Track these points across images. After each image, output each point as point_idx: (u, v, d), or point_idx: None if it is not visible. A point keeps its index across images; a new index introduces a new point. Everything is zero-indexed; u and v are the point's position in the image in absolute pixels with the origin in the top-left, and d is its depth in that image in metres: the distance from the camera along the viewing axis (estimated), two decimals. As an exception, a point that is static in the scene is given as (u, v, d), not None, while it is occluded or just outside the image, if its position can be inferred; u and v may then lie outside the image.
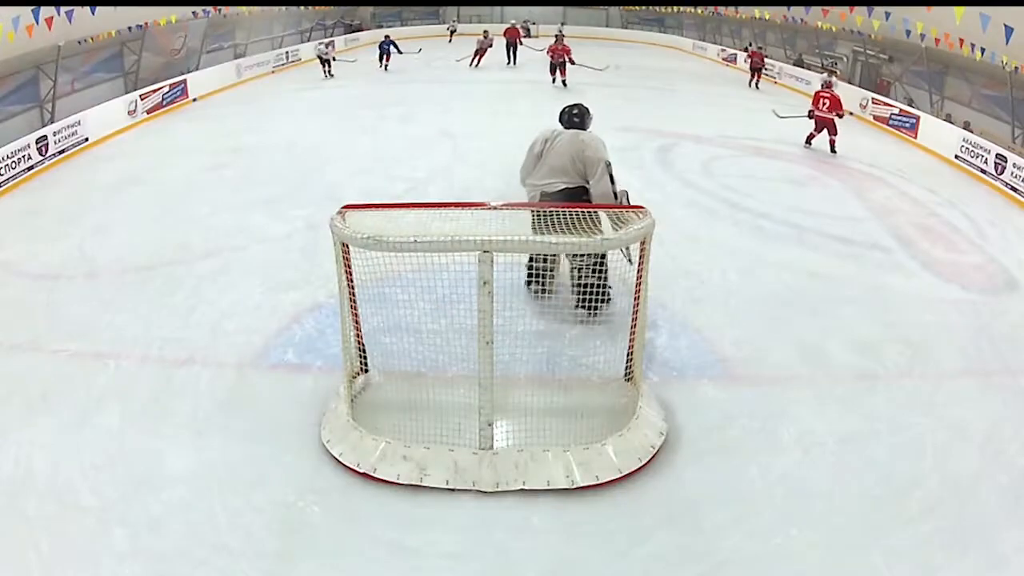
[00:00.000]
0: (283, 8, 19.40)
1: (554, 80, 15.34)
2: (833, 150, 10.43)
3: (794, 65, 16.93)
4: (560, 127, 4.96)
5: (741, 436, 4.00)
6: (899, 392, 4.48)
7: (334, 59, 16.97)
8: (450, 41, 24.37)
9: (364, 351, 4.19)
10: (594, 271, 4.50)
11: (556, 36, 16.10)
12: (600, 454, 3.64)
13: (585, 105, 5.06)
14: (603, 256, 4.47)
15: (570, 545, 3.28)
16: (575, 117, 4.94)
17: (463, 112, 12.29)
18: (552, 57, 15.33)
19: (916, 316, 5.43)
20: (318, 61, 16.69)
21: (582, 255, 4.44)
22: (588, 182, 4.72)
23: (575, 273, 4.77)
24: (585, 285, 4.56)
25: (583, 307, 4.77)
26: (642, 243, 3.70)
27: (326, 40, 19.52)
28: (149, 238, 6.69)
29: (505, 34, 18.82)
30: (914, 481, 3.68)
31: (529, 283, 5.03)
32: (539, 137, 4.94)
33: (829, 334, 5.08)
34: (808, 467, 3.78)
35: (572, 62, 15.03)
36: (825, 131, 10.53)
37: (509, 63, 18.26)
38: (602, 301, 4.69)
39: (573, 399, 4.03)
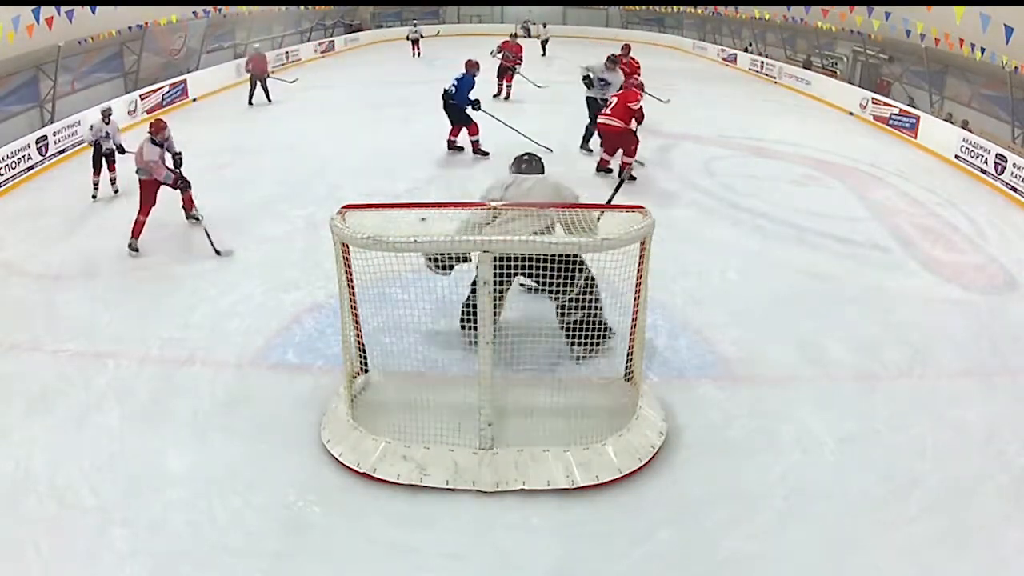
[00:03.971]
0: (283, 8, 19.39)
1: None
2: (623, 176, 7.13)
3: (803, 67, 16.90)
4: (515, 175, 4.56)
5: (741, 436, 4.01)
6: (899, 392, 4.48)
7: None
8: (416, 55, 20.15)
9: (364, 351, 4.19)
10: (579, 305, 4.22)
11: (624, 47, 11.17)
12: (600, 454, 3.64)
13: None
14: (587, 288, 4.21)
15: (570, 545, 3.29)
16: (536, 162, 4.65)
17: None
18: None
19: (916, 316, 5.43)
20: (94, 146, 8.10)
21: (560, 291, 4.07)
22: None
23: (559, 312, 4.40)
24: (572, 323, 4.33)
25: (576, 345, 4.45)
26: (642, 243, 3.70)
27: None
28: (149, 238, 6.68)
29: (250, 63, 13.22)
30: (914, 481, 3.69)
31: (464, 326, 4.48)
32: (494, 185, 4.53)
33: (829, 334, 5.08)
34: (808, 467, 3.79)
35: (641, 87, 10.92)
36: (620, 150, 8.13)
37: (251, 103, 13.03)
38: (598, 337, 4.37)
39: (573, 399, 4.03)
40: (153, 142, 6.53)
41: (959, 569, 3.19)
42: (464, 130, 9.17)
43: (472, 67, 9.07)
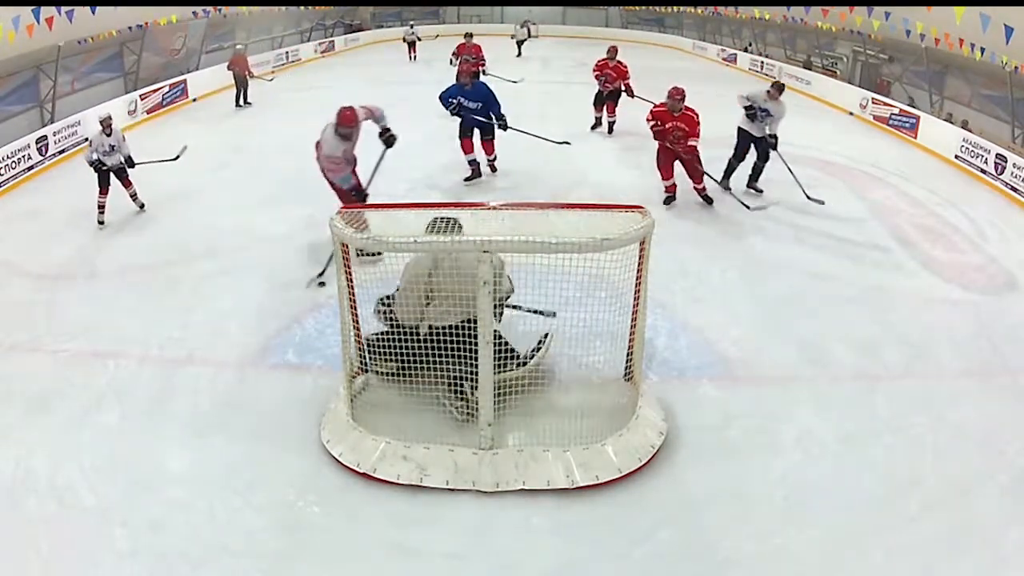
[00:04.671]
0: (283, 8, 19.39)
1: (597, 124, 10.77)
2: (705, 198, 7.51)
3: (803, 67, 16.88)
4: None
5: (741, 436, 4.01)
6: (899, 392, 4.48)
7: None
8: (412, 58, 19.14)
9: (364, 351, 4.19)
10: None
11: (610, 49, 10.44)
12: (600, 454, 3.64)
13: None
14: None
15: (570, 545, 3.29)
16: (456, 225, 3.75)
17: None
18: (600, 80, 10.36)
19: (916, 316, 5.43)
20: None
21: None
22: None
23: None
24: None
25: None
26: (642, 243, 3.70)
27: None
28: (149, 238, 6.69)
29: (231, 64, 13.08)
30: (914, 481, 3.69)
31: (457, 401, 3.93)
32: (420, 263, 3.85)
33: (829, 334, 5.08)
34: (808, 467, 3.79)
35: (631, 93, 10.29)
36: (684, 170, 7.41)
37: (238, 105, 12.93)
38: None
39: (573, 399, 4.03)
40: (338, 134, 5.42)
41: (959, 569, 3.19)
42: (478, 143, 8.10)
43: (458, 75, 8.19)
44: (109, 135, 6.96)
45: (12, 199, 8.12)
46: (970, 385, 4.59)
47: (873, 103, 12.88)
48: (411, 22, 21.10)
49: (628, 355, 4.14)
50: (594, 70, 10.53)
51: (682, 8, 24.49)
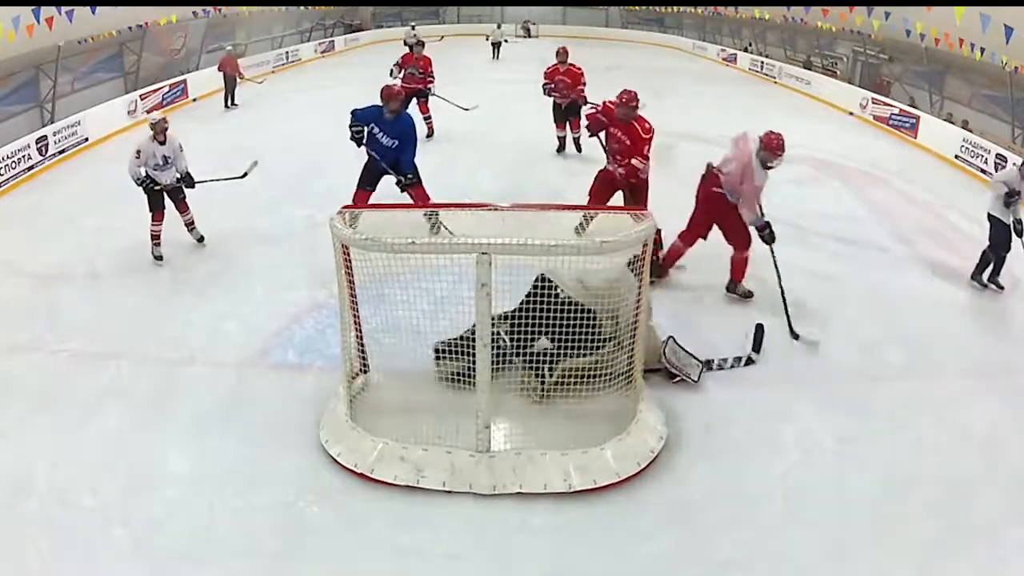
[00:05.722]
0: (283, 8, 19.40)
1: (561, 146, 9.27)
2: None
3: (803, 67, 16.89)
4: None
5: (741, 436, 4.01)
6: (899, 392, 4.48)
7: None
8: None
9: (364, 351, 4.19)
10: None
11: (560, 51, 9.01)
12: (598, 458, 3.63)
13: None
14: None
15: (570, 546, 3.29)
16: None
17: (463, 113, 12.28)
18: (554, 92, 8.84)
19: (916, 316, 5.43)
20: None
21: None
22: None
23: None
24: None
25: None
26: (643, 245, 3.70)
27: None
28: (149, 238, 6.68)
29: (223, 65, 12.71)
30: (914, 481, 3.69)
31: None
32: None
33: (829, 334, 5.07)
34: (808, 467, 3.79)
35: (584, 100, 8.39)
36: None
37: (226, 106, 12.64)
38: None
39: (572, 402, 4.02)
40: (766, 166, 4.78)
41: (959, 569, 3.19)
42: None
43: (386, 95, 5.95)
44: (163, 143, 5.56)
45: (12, 199, 8.11)
46: (970, 385, 4.59)
47: (873, 103, 12.88)
48: (412, 23, 20.39)
49: (628, 358, 4.13)
50: (544, 80, 8.92)
51: (682, 8, 24.52)
